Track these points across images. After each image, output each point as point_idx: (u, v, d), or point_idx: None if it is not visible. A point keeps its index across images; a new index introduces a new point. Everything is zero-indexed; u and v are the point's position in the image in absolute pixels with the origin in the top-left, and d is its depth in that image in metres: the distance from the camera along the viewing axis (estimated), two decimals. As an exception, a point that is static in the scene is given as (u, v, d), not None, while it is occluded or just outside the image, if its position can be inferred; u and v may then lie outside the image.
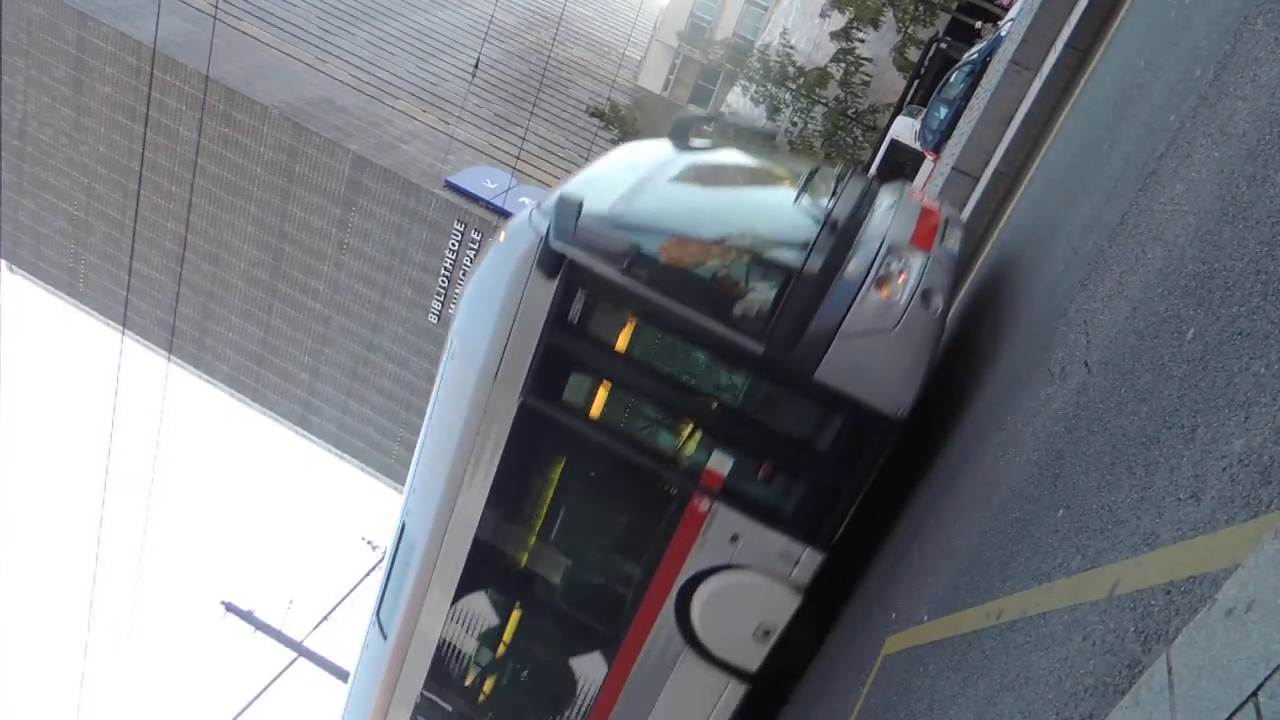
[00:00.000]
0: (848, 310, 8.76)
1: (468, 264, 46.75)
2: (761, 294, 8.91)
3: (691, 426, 9.72)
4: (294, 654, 22.57)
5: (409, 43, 60.16)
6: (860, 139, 38.12)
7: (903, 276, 9.17)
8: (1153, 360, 5.21)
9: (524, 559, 11.43)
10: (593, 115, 44.53)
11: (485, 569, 11.12)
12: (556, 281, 8.81)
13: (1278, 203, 4.46)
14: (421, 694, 12.06)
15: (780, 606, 9.95)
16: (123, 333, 26.14)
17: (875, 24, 36.39)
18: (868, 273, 9.03)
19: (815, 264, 8.96)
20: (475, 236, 46.14)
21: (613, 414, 9.99)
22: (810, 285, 8.80)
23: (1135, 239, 6.82)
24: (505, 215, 44.51)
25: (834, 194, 10.12)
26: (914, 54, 35.08)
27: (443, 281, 47.75)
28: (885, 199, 10.43)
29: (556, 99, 57.66)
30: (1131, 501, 4.61)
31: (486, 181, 47.17)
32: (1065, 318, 7.74)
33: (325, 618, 23.24)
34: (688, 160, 11.07)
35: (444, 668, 11.91)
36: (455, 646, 11.71)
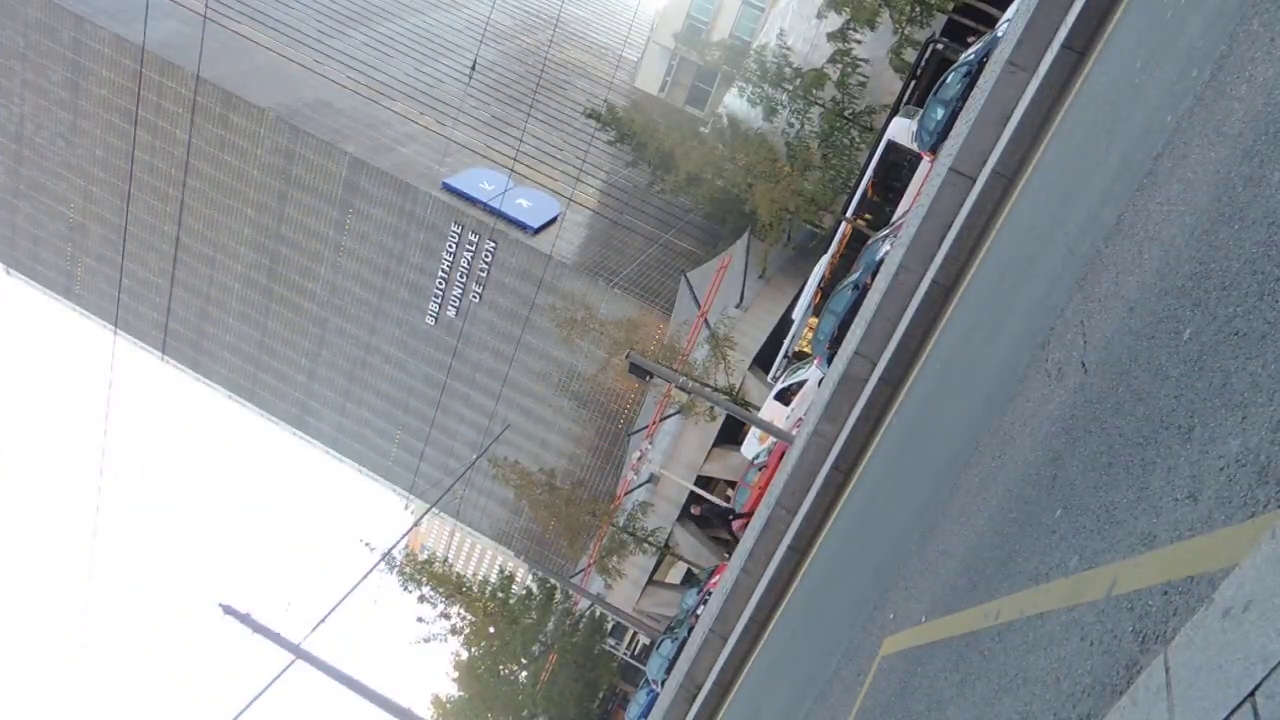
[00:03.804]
0: None
1: (465, 265, 46.74)
2: None
3: None
4: (291, 656, 22.54)
5: (405, 45, 60.13)
6: (857, 140, 38.13)
7: None
8: (1149, 361, 5.21)
9: None
10: (589, 117, 44.44)
11: None
12: None
13: (1274, 203, 4.47)
14: None
15: None
16: (114, 332, 26.05)
17: (872, 25, 36.35)
18: None
19: None
20: (472, 238, 46.13)
21: None
22: None
23: (1131, 239, 6.83)
24: (503, 217, 44.50)
25: None
26: (910, 55, 35.10)
27: (440, 283, 47.73)
28: None
29: (553, 101, 57.65)
30: (1129, 502, 4.61)
31: (484, 183, 47.15)
32: (1062, 318, 7.75)
33: (323, 620, 23.23)
34: None
35: None
36: None
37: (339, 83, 53.51)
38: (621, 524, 39.78)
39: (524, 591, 43.13)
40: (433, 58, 59.80)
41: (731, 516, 40.46)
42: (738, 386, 36.22)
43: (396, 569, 39.42)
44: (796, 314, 33.70)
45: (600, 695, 46.23)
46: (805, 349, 31.66)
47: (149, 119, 50.66)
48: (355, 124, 50.12)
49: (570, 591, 41.20)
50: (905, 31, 35.53)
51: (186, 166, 50.51)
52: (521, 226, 45.79)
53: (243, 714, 20.28)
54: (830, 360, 22.71)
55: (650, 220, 50.70)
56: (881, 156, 29.50)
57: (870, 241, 27.74)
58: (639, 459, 42.03)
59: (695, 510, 41.30)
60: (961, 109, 20.42)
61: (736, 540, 35.02)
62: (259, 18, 56.98)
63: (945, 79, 24.09)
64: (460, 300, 47.61)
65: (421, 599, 39.97)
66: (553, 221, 46.56)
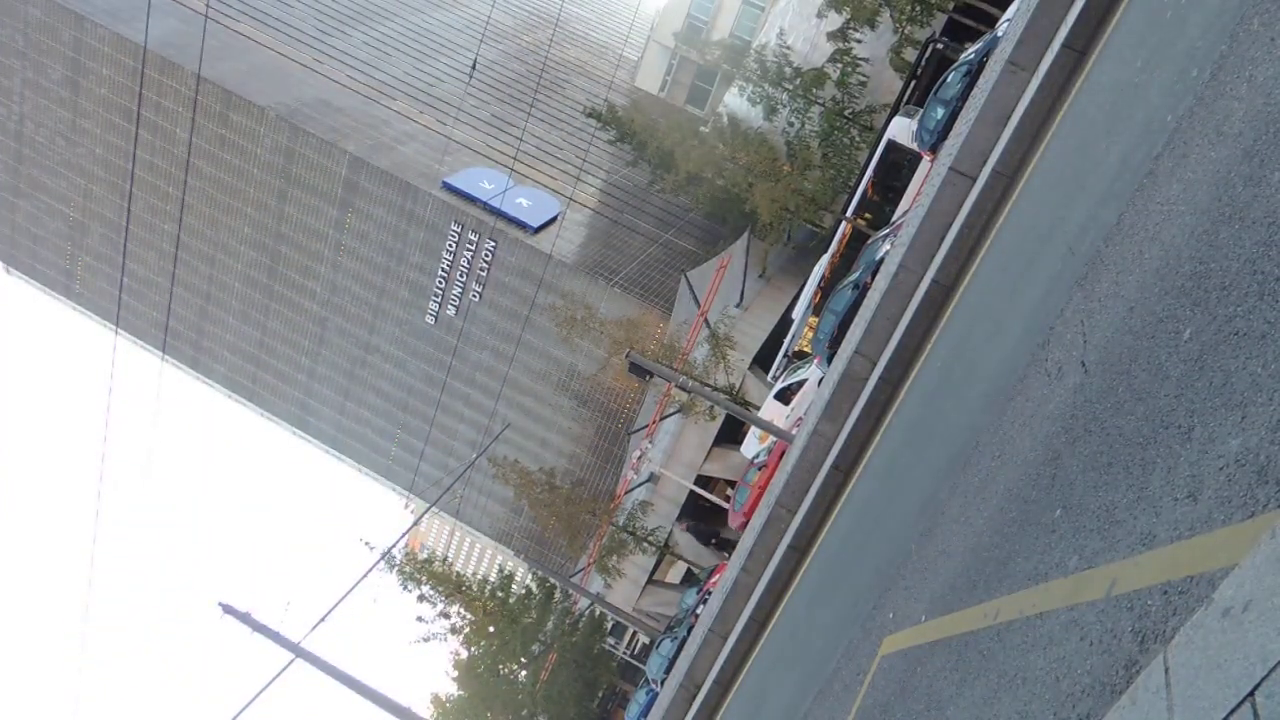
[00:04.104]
0: None
1: (465, 264, 46.74)
2: None
3: None
4: (292, 655, 22.53)
5: (406, 44, 60.13)
6: (857, 139, 38.11)
7: None
8: (1149, 360, 5.21)
9: None
10: (590, 116, 44.44)
11: None
12: None
13: (1274, 202, 4.47)
14: None
15: None
16: (116, 333, 26.04)
17: (872, 24, 36.32)
18: None
19: None
20: (472, 237, 46.13)
21: None
22: None
23: (1132, 239, 6.83)
24: (503, 216, 44.49)
25: None
26: (911, 54, 35.09)
27: (440, 282, 47.72)
28: None
29: (553, 100, 57.65)
30: (1129, 501, 4.61)
31: (484, 182, 47.15)
32: (1062, 318, 7.75)
33: (323, 619, 23.22)
34: None
35: None
36: None
37: (339, 82, 53.52)
38: (621, 523, 39.79)
39: (524, 591, 43.14)
40: (433, 56, 59.80)
41: (714, 541, 40.64)
42: (738, 386, 36.22)
43: (396, 568, 39.44)
44: (796, 313, 33.70)
45: (600, 694, 46.24)
46: (805, 348, 31.66)
47: (149, 118, 50.68)
48: (355, 123, 50.12)
49: (570, 591, 41.21)
50: (905, 31, 35.51)
51: (187, 165, 50.52)
52: (521, 225, 45.79)
53: (243, 713, 20.29)
54: (830, 360, 22.71)
55: (650, 219, 50.70)
56: (882, 156, 29.49)
57: (870, 241, 27.74)
58: (639, 458, 42.04)
59: (682, 526, 41.35)
60: (962, 108, 20.39)
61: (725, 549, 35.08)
62: (259, 17, 56.98)
63: (945, 78, 24.07)
64: (460, 299, 47.62)
65: (421, 598, 39.99)
66: (553, 221, 46.57)
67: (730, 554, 29.81)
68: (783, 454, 25.67)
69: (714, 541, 40.31)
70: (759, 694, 15.30)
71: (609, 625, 45.73)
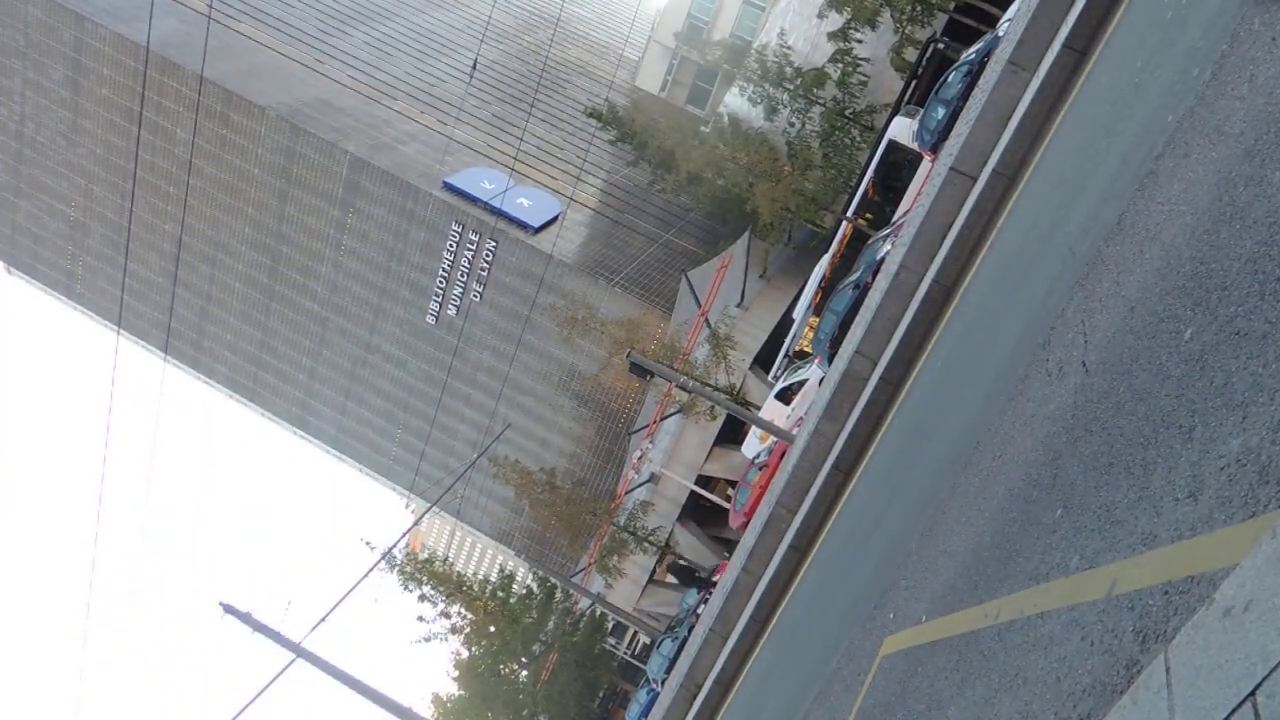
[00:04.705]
0: None
1: (466, 264, 46.74)
2: None
3: None
4: (292, 655, 22.53)
5: (406, 44, 60.13)
6: (858, 139, 38.12)
7: None
8: (1150, 360, 5.21)
9: None
10: (590, 116, 44.45)
11: None
12: None
13: (1275, 202, 4.47)
14: None
15: None
16: (118, 333, 26.07)
17: (872, 24, 36.32)
18: None
19: None
20: (473, 237, 46.13)
21: None
22: None
23: (1132, 239, 6.83)
24: (503, 216, 44.48)
25: None
26: (911, 54, 35.09)
27: (440, 282, 47.72)
28: None
29: (554, 100, 57.64)
30: (1129, 501, 4.61)
31: (484, 182, 47.14)
32: (1063, 318, 7.75)
33: (324, 619, 23.21)
34: None
35: None
36: None
37: (340, 82, 53.51)
38: (622, 523, 39.78)
39: (524, 591, 43.14)
40: (433, 56, 59.79)
41: (698, 577, 40.70)
42: (738, 386, 36.22)
43: (397, 568, 39.45)
44: (797, 313, 33.70)
45: (600, 695, 46.24)
46: (806, 348, 31.66)
47: (150, 118, 50.68)
48: (356, 123, 50.11)
49: (571, 591, 41.21)
50: (906, 31, 35.49)
51: (189, 166, 50.53)
52: (522, 225, 45.78)
53: (243, 713, 20.29)
54: (831, 359, 22.71)
55: (651, 220, 50.70)
56: (882, 156, 29.48)
57: (871, 241, 27.73)
58: (639, 458, 42.03)
59: (663, 563, 41.38)
60: (962, 108, 20.36)
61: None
62: (260, 17, 56.98)
63: (946, 78, 24.07)
64: (461, 299, 47.62)
65: (422, 598, 40.00)
66: (553, 221, 46.56)
67: (727, 556, 29.80)
68: (783, 454, 25.67)
69: (698, 577, 40.33)
70: (759, 694, 15.30)
71: (610, 625, 45.73)
